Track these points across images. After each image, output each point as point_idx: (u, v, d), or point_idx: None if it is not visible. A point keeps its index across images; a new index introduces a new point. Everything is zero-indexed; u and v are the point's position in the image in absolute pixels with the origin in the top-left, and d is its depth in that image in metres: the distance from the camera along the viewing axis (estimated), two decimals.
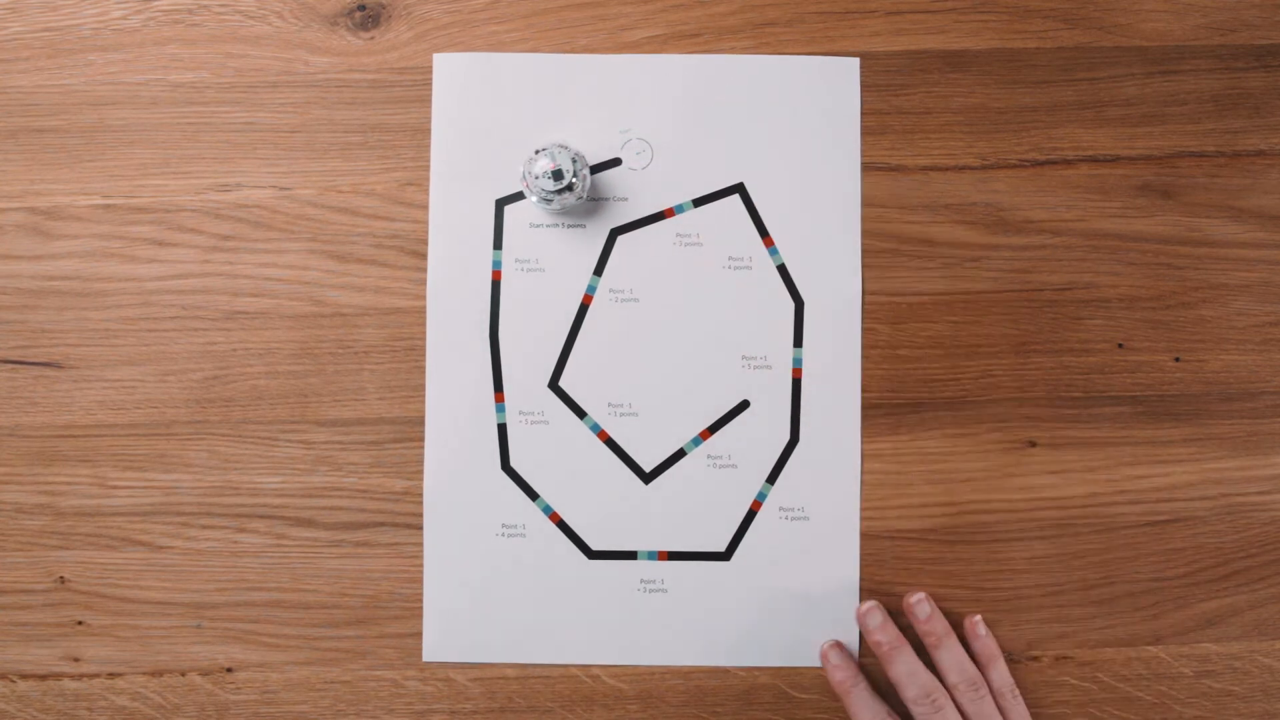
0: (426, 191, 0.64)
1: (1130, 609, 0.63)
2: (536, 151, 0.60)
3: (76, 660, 0.63)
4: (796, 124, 0.64)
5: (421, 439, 0.63)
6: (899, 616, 0.63)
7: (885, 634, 0.61)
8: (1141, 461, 0.63)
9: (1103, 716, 0.63)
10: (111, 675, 0.63)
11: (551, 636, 0.63)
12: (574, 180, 0.60)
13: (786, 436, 0.63)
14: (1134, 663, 0.63)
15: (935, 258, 0.63)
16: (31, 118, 0.64)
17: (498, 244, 0.64)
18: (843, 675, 0.61)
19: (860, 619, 0.62)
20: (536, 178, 0.60)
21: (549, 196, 0.60)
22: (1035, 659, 0.63)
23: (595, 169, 0.64)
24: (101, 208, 0.63)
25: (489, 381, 0.63)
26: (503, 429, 0.63)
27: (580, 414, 0.63)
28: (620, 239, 0.64)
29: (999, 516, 0.63)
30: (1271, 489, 0.63)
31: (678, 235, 0.64)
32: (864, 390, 0.63)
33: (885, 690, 0.62)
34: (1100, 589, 0.63)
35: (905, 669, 0.60)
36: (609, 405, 0.63)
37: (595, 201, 0.64)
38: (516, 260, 0.64)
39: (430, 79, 0.64)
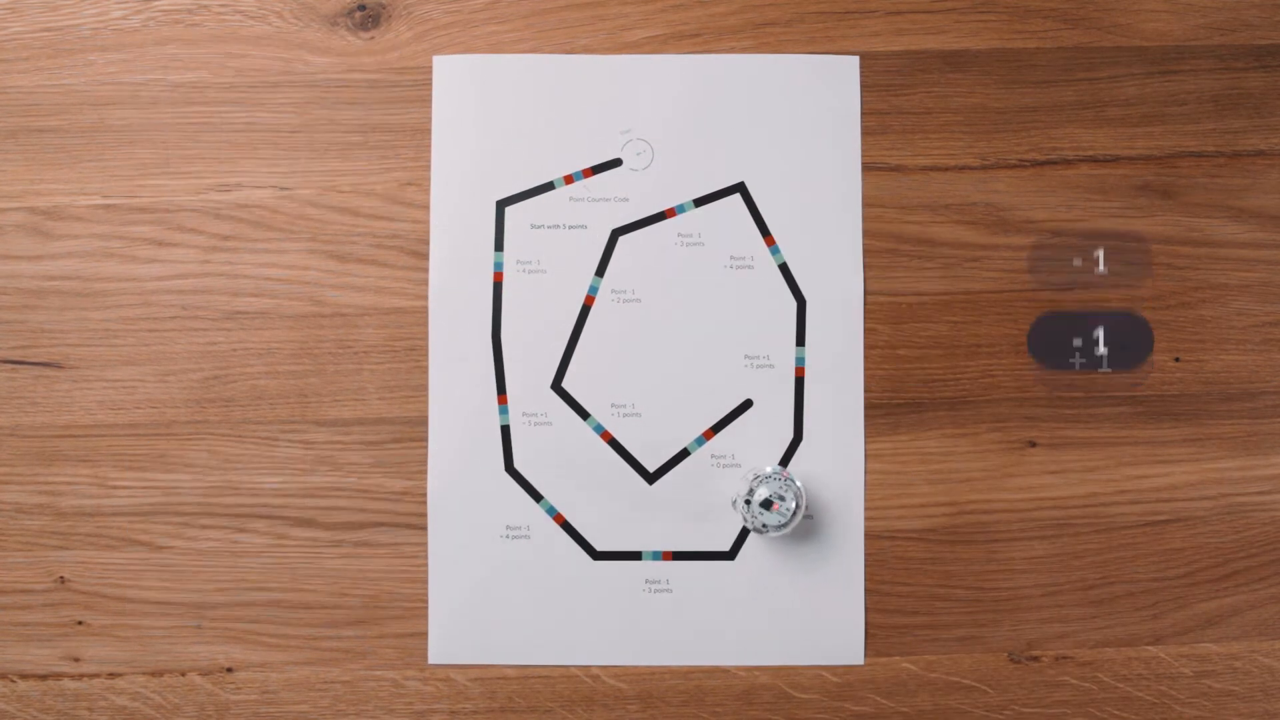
0: (427, 191, 0.64)
1: (1130, 609, 0.63)
2: (757, 478, 0.61)
3: (76, 660, 0.63)
4: (796, 123, 0.64)
5: (422, 439, 0.63)
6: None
7: None
8: (1141, 461, 0.63)
9: (1103, 716, 0.63)
10: (111, 675, 0.63)
11: (557, 638, 0.63)
12: (785, 520, 0.60)
13: (790, 435, 0.63)
14: (1134, 663, 0.63)
15: (935, 258, 0.64)
16: (31, 118, 0.64)
17: (499, 245, 0.64)
18: None
19: None
20: (751, 499, 0.60)
21: (763, 528, 0.61)
22: (1035, 659, 0.63)
23: (596, 169, 0.64)
24: (101, 208, 0.63)
25: (492, 384, 0.63)
26: (506, 431, 0.63)
27: (584, 415, 0.63)
28: (622, 239, 0.64)
29: (999, 516, 0.63)
30: (1271, 489, 0.63)
31: (679, 235, 0.64)
32: (864, 390, 0.63)
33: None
34: (1100, 589, 0.63)
35: None
36: (612, 406, 0.63)
37: (596, 202, 0.64)
38: (518, 262, 0.64)
39: (430, 79, 0.64)
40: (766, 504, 0.60)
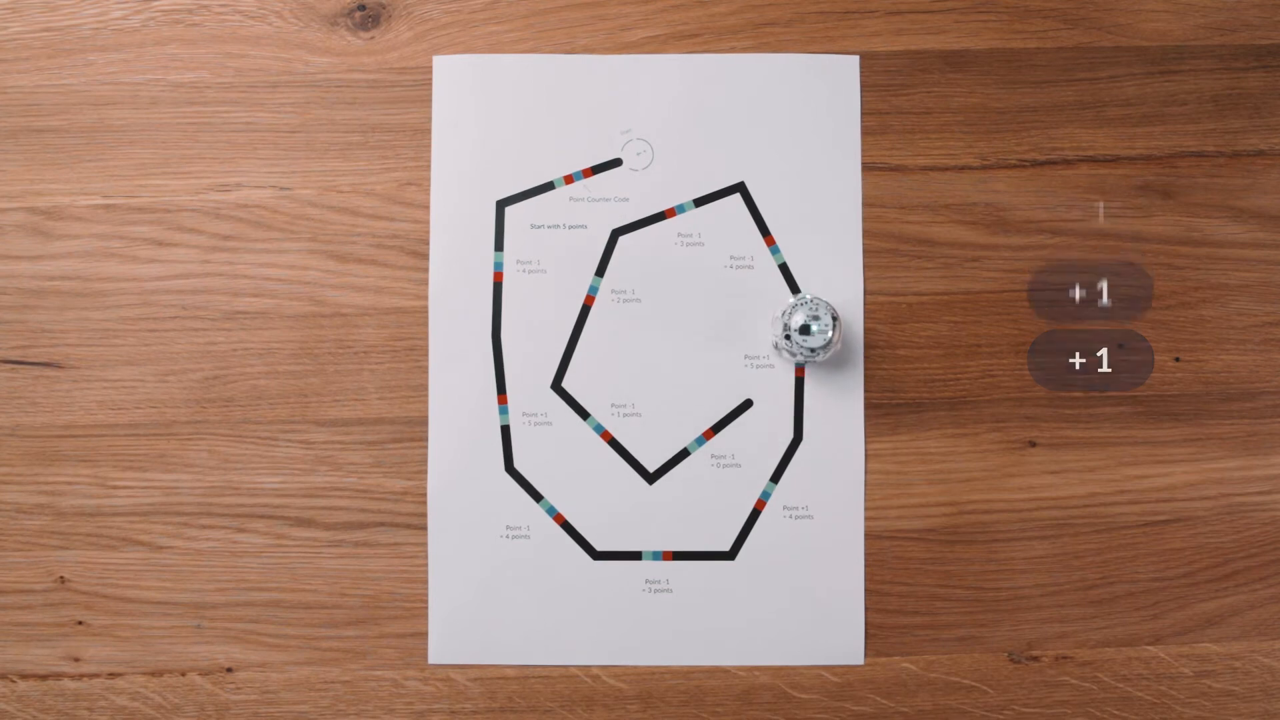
0: (427, 191, 0.64)
1: (1130, 609, 0.63)
2: (783, 312, 0.61)
3: (76, 660, 0.63)
4: (796, 123, 0.64)
5: (422, 439, 0.63)
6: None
7: None
8: (1141, 461, 0.63)
9: (1103, 716, 0.63)
10: (111, 675, 0.63)
11: (557, 638, 0.63)
12: (830, 336, 0.60)
13: (790, 435, 0.63)
14: (1134, 663, 0.63)
15: (935, 258, 0.63)
16: (31, 118, 0.64)
17: (499, 245, 0.64)
18: None
19: None
20: (791, 333, 0.60)
21: (811, 353, 0.60)
22: (1035, 659, 0.63)
23: (596, 169, 0.64)
24: (101, 208, 0.63)
25: (492, 383, 0.63)
26: (506, 431, 0.63)
27: (583, 415, 0.63)
28: (621, 239, 0.64)
29: (999, 516, 0.63)
30: (1271, 489, 0.63)
31: (679, 235, 0.64)
32: (864, 390, 0.63)
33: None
34: (1100, 589, 0.63)
35: None
36: (612, 406, 0.63)
37: (596, 202, 0.64)
38: (518, 262, 0.64)
39: (430, 79, 0.64)
40: (805, 330, 0.59)
